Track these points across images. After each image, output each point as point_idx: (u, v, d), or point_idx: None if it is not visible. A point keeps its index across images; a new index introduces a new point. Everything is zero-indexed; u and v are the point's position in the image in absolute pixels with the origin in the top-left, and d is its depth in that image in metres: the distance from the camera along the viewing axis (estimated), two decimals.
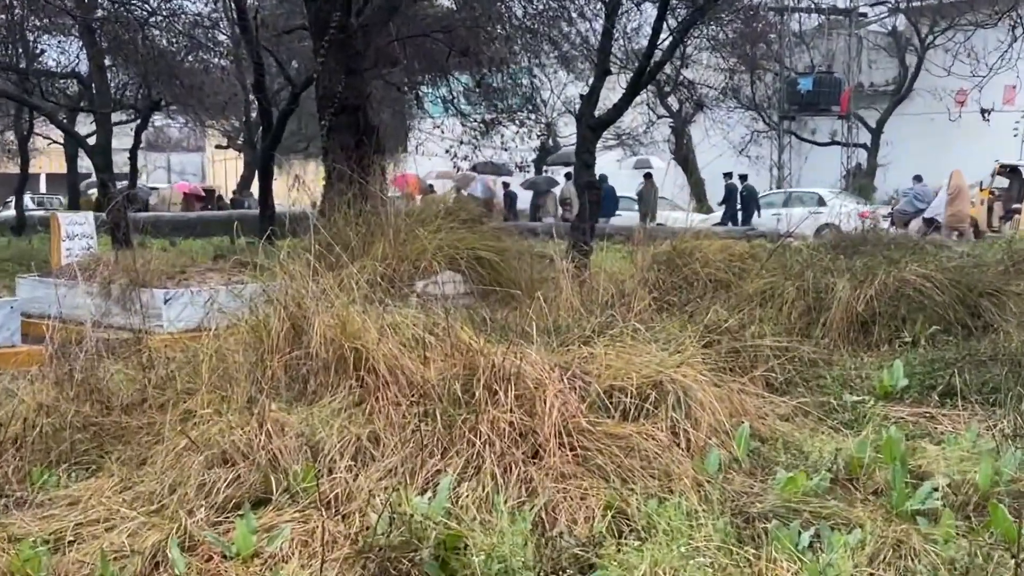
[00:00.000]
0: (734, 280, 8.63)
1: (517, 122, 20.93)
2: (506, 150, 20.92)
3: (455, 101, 21.09)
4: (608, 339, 5.41)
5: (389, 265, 7.73)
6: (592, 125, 11.67)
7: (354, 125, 11.72)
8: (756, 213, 26.52)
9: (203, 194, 37.33)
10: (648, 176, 27.84)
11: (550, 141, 32.06)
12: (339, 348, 4.97)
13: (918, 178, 25.78)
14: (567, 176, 27.53)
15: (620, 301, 7.26)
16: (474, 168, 26.38)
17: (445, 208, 9.12)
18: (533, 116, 21.89)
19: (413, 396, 4.70)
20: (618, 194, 26.28)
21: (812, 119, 36.35)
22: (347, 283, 5.68)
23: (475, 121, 21.20)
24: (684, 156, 34.16)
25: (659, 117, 33.45)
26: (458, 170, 22.21)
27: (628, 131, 33.35)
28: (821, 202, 24.98)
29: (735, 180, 27.79)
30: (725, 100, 31.89)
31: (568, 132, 29.30)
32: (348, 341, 4.99)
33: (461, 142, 20.52)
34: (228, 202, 37.43)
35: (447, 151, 20.86)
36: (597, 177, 30.84)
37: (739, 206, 26.87)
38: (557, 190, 28.59)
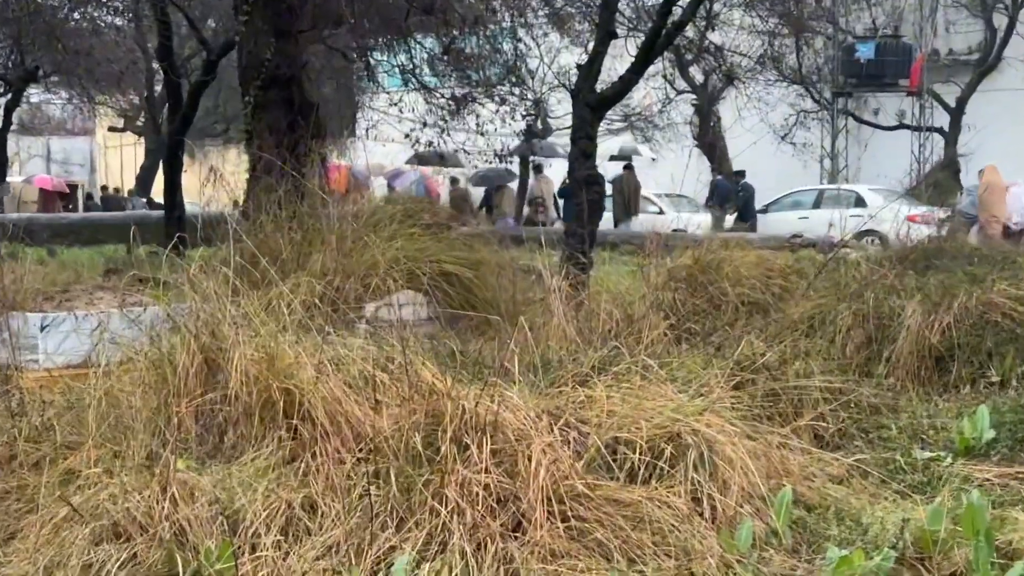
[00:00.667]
0: (773, 302, 8.75)
1: (497, 99, 20.98)
2: (483, 134, 20.92)
3: (417, 71, 21.13)
4: (611, 378, 5.45)
5: (331, 283, 7.79)
6: (592, 103, 11.63)
7: (286, 102, 11.80)
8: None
9: (67, 190, 37.05)
10: (628, 168, 28.25)
11: (538, 123, 32.12)
12: (265, 389, 5.00)
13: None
14: (535, 169, 27.80)
15: (627, 329, 7.32)
16: (417, 159, 26.42)
17: (403, 210, 9.18)
18: (517, 91, 21.95)
19: (360, 451, 4.73)
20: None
21: (874, 96, 36.64)
22: (277, 306, 5.72)
23: (443, 98, 21.23)
24: (710, 143, 34.41)
25: (679, 93, 33.74)
26: (417, 161, 22.23)
27: (639, 111, 33.53)
28: (860, 202, 25.16)
29: (720, 177, 28.40)
30: (763, 72, 32.13)
31: (563, 112, 29.33)
32: (277, 380, 5.01)
33: (425, 124, 20.52)
34: (99, 201, 37.05)
35: (407, 136, 20.86)
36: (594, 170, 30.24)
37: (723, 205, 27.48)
38: (521, 185, 28.73)
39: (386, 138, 23.79)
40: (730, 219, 27.51)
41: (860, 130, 36.74)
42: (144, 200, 33.80)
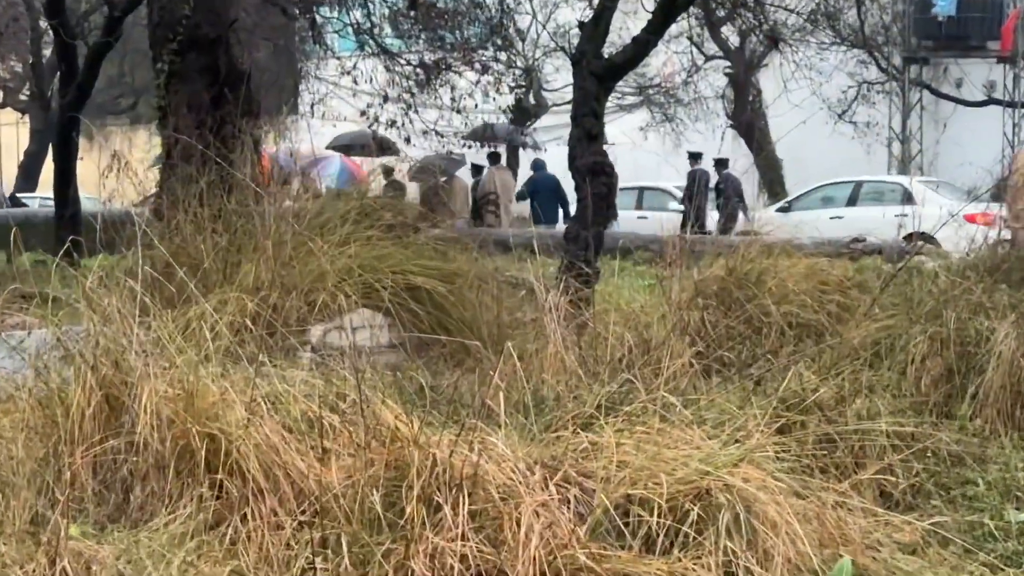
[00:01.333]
0: (828, 324, 8.74)
1: (477, 66, 20.96)
2: (459, 111, 20.92)
3: (376, 31, 21.12)
4: (623, 420, 5.45)
5: (266, 299, 7.84)
6: (599, 71, 11.58)
7: (209, 70, 11.80)
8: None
9: None
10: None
11: (530, 97, 32.13)
12: (183, 435, 5.01)
13: None
14: (491, 158, 27.95)
15: (643, 358, 7.32)
16: (343, 147, 26.22)
17: (358, 208, 9.26)
18: (503, 57, 21.92)
19: (303, 513, 4.74)
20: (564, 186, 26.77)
21: (956, 63, 36.57)
22: (197, 329, 5.76)
23: (408, 65, 21.21)
24: (747, 123, 34.37)
25: (708, 60, 33.75)
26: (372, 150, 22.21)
27: (657, 82, 33.57)
28: (908, 198, 25.10)
29: (699, 167, 28.57)
30: (815, 32, 32.13)
31: (561, 83, 29.31)
32: (198, 424, 5.02)
33: (385, 98, 20.54)
34: None
35: (363, 113, 20.85)
36: (540, 162, 30.25)
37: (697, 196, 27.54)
38: (469, 176, 28.71)
39: (337, 116, 23.69)
40: (714, 219, 27.42)
41: (938, 106, 36.63)
42: (6, 196, 32.29)
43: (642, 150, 32.99)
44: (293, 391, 5.35)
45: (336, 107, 23.53)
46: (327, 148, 26.07)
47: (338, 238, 8.78)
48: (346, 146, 28.04)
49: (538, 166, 28.18)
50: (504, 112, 26.50)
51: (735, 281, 9.20)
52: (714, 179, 28.48)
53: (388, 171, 28.13)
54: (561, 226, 23.02)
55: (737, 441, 5.37)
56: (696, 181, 27.76)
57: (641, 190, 31.69)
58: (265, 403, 5.17)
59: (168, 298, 6.50)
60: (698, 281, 9.09)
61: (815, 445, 6.07)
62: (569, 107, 13.18)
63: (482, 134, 28.50)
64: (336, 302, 8.26)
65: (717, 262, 9.47)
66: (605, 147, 11.69)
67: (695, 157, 28.80)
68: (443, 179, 27.33)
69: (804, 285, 9.24)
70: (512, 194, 28.02)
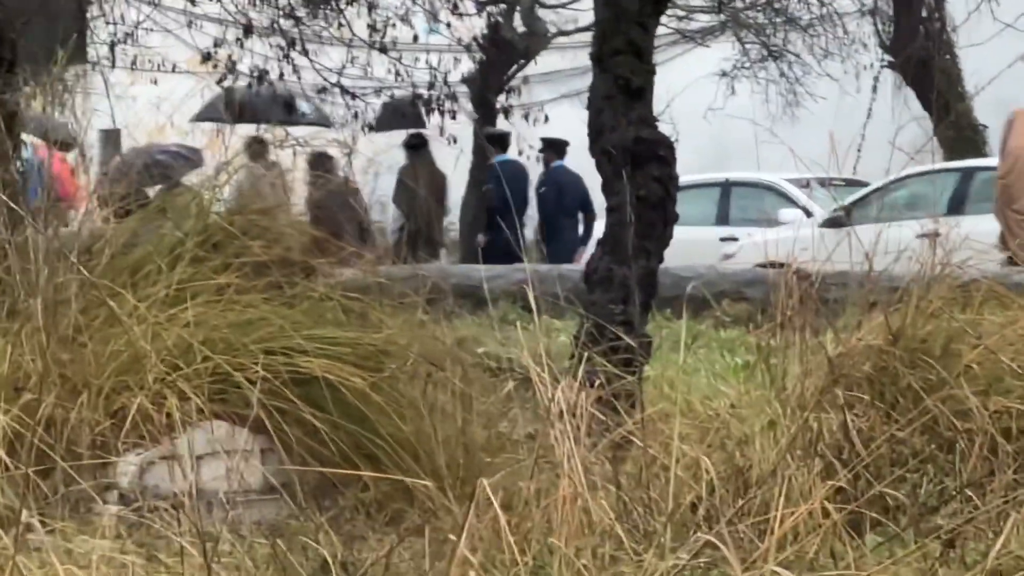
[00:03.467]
0: None
1: None
2: (383, 49, 17.73)
3: None
4: None
5: (34, 407, 6.31)
6: None
7: None
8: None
9: None
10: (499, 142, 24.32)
11: (516, 19, 25.46)
12: None
13: None
14: (411, 147, 22.96)
15: (736, 504, 6.17)
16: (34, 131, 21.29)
17: (202, 233, 7.42)
18: None
19: None
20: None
21: None
22: None
23: None
24: (922, 59, 26.66)
25: None
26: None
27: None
28: None
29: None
30: None
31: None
32: None
33: (247, 31, 16.84)
34: None
35: (207, 58, 17.13)
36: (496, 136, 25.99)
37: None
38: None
39: (159, 64, 19.92)
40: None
41: None
42: None
43: (726, 115, 24.94)
44: None
45: (159, 48, 19.40)
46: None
47: (165, 291, 6.92)
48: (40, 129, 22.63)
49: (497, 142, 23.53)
50: (469, 50, 21.66)
51: (904, 355, 7.22)
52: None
53: (258, 150, 18.93)
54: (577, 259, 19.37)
55: None
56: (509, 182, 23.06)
57: (725, 188, 24.53)
58: None
59: None
60: (836, 357, 7.11)
61: None
62: (587, 38, 10.11)
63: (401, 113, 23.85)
64: (164, 410, 6.48)
65: (870, 321, 7.46)
66: (657, 114, 9.21)
67: (491, 139, 24.35)
68: (407, 159, 22.65)
69: None
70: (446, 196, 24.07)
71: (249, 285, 7.24)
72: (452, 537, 5.13)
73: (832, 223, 22.45)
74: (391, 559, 5.47)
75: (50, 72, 9.19)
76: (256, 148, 14.53)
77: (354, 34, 16.93)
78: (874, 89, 24.92)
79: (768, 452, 6.45)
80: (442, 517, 5.96)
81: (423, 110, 20.33)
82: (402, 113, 23.37)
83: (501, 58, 23.30)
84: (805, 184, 22.61)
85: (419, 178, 22.13)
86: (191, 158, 20.07)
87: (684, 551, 5.21)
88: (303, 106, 21.10)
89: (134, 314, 6.67)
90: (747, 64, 25.31)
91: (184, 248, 7.31)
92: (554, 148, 23.38)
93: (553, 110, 24.10)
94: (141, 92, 22.45)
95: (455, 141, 22.67)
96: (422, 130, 23.34)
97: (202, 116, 24.22)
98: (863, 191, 21.85)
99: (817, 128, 19.99)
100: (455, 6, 17.23)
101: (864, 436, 6.74)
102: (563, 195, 23.32)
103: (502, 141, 23.16)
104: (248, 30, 16.47)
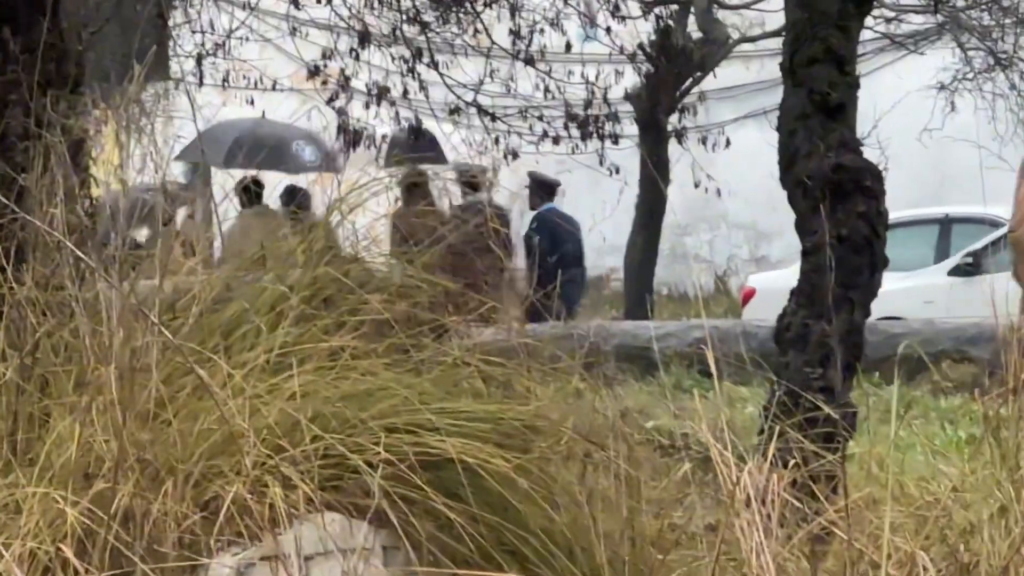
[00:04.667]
0: None
1: None
2: (528, 62, 17.09)
3: None
4: None
5: (108, 497, 5.70)
6: None
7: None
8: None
9: None
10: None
11: (690, 23, 23.59)
12: None
13: None
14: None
15: None
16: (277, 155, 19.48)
17: (310, 285, 6.72)
18: None
19: None
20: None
21: None
22: None
23: None
24: None
25: None
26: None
27: None
28: None
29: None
30: None
31: None
32: None
33: (363, 41, 16.16)
34: None
35: (315, 72, 16.25)
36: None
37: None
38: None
39: (253, 80, 18.77)
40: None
41: None
42: None
43: (944, 136, 22.47)
44: None
45: (256, 61, 18.68)
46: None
47: (265, 356, 6.17)
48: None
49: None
50: (634, 60, 19.63)
51: None
52: None
53: (414, 184, 15.77)
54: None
55: None
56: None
57: (945, 225, 22.07)
58: None
59: None
60: None
61: None
62: (775, 45, 10.67)
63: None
64: (265, 500, 5.72)
65: None
66: (861, 136, 8.23)
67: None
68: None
69: None
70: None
71: (368, 348, 6.53)
72: None
73: (962, 271, 21.07)
74: None
75: (124, 91, 8.41)
76: (414, 185, 13.33)
77: (494, 42, 15.91)
78: None
79: (999, 545, 5.70)
80: None
81: (579, 132, 18.43)
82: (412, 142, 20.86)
83: (672, 70, 21.15)
84: None
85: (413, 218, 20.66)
86: (184, 194, 18.77)
87: None
88: (305, 151, 19.65)
89: (228, 384, 5.89)
90: (970, 75, 22.50)
91: (288, 304, 6.56)
92: (544, 188, 21.88)
93: (735, 132, 22.16)
94: (234, 114, 20.72)
95: (617, 171, 20.50)
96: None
97: (184, 156, 21.26)
98: (996, 232, 19.29)
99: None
100: (616, 7, 16.17)
101: None
102: (557, 243, 21.38)
103: (550, 188, 21.70)
104: (364, 39, 15.54)
